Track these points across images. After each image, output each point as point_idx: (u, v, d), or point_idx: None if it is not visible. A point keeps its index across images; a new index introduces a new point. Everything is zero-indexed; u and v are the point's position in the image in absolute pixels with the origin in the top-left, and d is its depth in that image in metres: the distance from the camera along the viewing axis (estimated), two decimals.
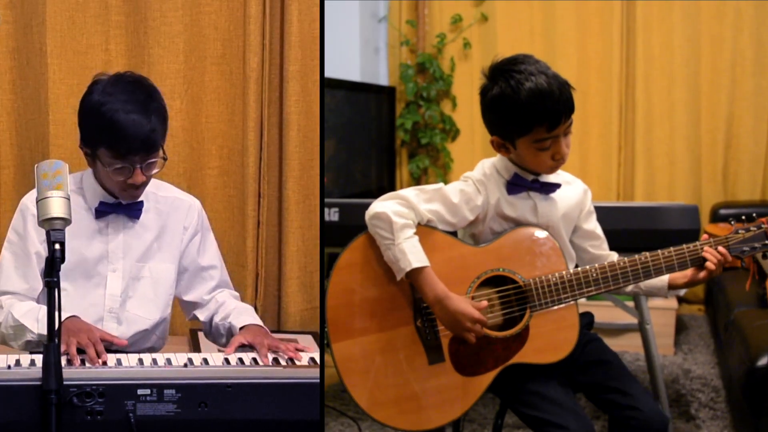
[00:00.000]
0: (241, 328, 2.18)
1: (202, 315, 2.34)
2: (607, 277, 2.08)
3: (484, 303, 2.04)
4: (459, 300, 2.01)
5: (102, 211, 2.18)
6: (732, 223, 2.14)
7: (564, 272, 2.08)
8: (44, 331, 2.03)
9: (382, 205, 2.03)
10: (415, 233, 2.02)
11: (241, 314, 2.25)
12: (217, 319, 2.29)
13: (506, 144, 2.10)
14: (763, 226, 2.11)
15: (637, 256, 2.09)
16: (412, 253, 1.98)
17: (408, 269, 1.98)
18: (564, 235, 2.17)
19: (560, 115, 2.02)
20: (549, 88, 2.01)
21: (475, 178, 2.14)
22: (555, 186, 2.15)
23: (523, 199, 2.13)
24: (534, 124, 2.02)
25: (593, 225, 2.24)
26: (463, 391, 2.06)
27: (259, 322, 2.23)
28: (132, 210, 2.20)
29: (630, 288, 2.18)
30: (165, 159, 2.15)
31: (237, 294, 2.40)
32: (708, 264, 2.08)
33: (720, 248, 2.09)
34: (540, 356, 2.07)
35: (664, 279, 2.17)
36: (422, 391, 2.05)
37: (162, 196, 2.28)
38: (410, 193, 2.06)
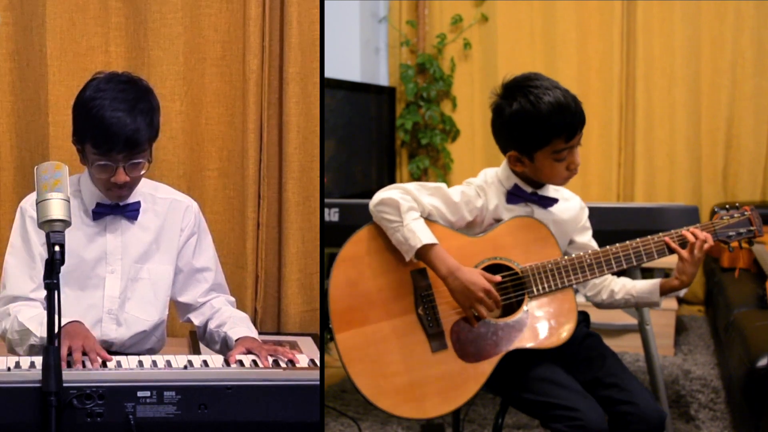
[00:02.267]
0: (236, 340, 2.18)
1: (196, 319, 2.34)
2: (600, 261, 2.15)
3: (498, 277, 2.09)
4: (471, 271, 2.07)
5: (99, 213, 2.19)
6: (716, 210, 2.22)
7: (559, 258, 2.15)
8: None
9: (386, 193, 2.10)
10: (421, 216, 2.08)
11: (237, 325, 2.25)
12: (212, 326, 2.30)
13: (522, 158, 2.16)
14: (746, 213, 2.18)
15: (628, 242, 2.16)
16: (420, 232, 2.04)
17: (418, 246, 2.03)
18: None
19: (577, 126, 2.13)
20: (566, 100, 2.11)
21: (476, 183, 2.22)
22: (552, 201, 2.23)
23: (521, 207, 2.21)
24: (553, 136, 2.10)
25: (587, 239, 2.31)
26: (467, 378, 2.08)
27: (254, 333, 2.24)
28: (129, 211, 2.20)
29: (621, 296, 2.27)
30: (150, 161, 2.15)
31: (233, 300, 2.40)
32: (688, 235, 2.13)
33: (705, 232, 2.15)
34: (541, 341, 2.11)
35: (655, 283, 2.23)
36: (426, 379, 2.07)
37: (160, 197, 2.28)
38: (411, 186, 2.13)
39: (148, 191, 2.26)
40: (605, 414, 2.13)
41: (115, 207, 2.20)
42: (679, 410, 3.35)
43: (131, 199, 2.21)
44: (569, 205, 2.28)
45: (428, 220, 2.11)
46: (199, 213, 2.35)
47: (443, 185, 2.17)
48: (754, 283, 3.69)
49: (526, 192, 2.20)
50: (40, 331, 2.09)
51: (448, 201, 2.15)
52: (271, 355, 2.07)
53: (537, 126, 2.10)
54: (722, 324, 3.56)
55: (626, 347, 4.02)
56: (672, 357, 4.05)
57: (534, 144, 2.13)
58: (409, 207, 2.07)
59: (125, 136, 2.06)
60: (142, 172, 2.15)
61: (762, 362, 2.67)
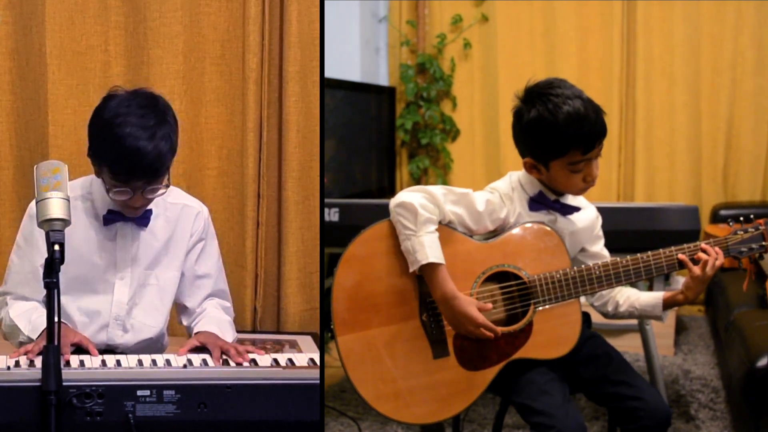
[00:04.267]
0: (195, 334, 2.18)
1: (185, 320, 2.33)
2: (609, 274, 2.12)
3: (489, 305, 2.06)
4: (466, 302, 2.03)
5: (110, 219, 2.16)
6: (731, 224, 2.16)
7: (568, 269, 2.11)
8: (33, 334, 2.05)
9: (409, 196, 2.05)
10: (436, 230, 2.04)
11: (207, 324, 2.22)
12: (193, 326, 2.29)
13: (538, 166, 2.13)
14: (760, 227, 2.15)
15: (639, 255, 2.12)
16: (430, 248, 2.01)
17: (424, 262, 2.00)
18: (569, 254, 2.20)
19: (595, 138, 2.08)
20: (585, 112, 2.07)
21: (502, 191, 2.17)
22: (574, 209, 2.20)
23: (543, 214, 2.17)
24: (570, 147, 2.07)
25: (599, 248, 2.28)
26: (467, 386, 2.08)
27: (227, 335, 2.21)
28: (141, 218, 2.17)
29: (624, 309, 2.25)
30: (168, 185, 2.11)
31: (227, 304, 2.37)
32: (701, 254, 2.10)
33: (716, 248, 2.12)
34: (543, 351, 2.10)
35: (658, 296, 2.21)
36: (426, 385, 2.07)
37: (171, 203, 2.25)
38: (438, 190, 2.08)
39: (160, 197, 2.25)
40: (616, 410, 2.16)
41: None
42: (679, 410, 3.35)
43: None
44: (586, 213, 2.25)
45: (447, 226, 2.08)
46: (208, 219, 2.32)
47: (470, 191, 2.13)
48: (754, 282, 3.69)
49: (549, 200, 2.17)
50: (28, 329, 2.09)
51: (472, 209, 2.11)
52: (224, 352, 2.04)
53: (553, 136, 2.06)
54: (722, 324, 3.56)
55: (626, 347, 4.01)
56: (672, 357, 4.05)
57: (550, 153, 2.09)
58: (427, 219, 2.02)
59: (146, 166, 2.01)
60: (160, 193, 2.11)
61: (762, 362, 2.67)
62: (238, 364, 2.02)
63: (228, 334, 2.23)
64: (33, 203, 2.18)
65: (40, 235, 2.14)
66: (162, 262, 2.24)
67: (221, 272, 2.37)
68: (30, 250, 2.17)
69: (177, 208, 2.26)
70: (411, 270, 2.04)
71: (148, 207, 2.18)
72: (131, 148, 1.99)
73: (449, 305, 2.03)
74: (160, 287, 2.24)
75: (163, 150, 2.03)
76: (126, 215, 2.16)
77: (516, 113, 2.14)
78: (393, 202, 2.07)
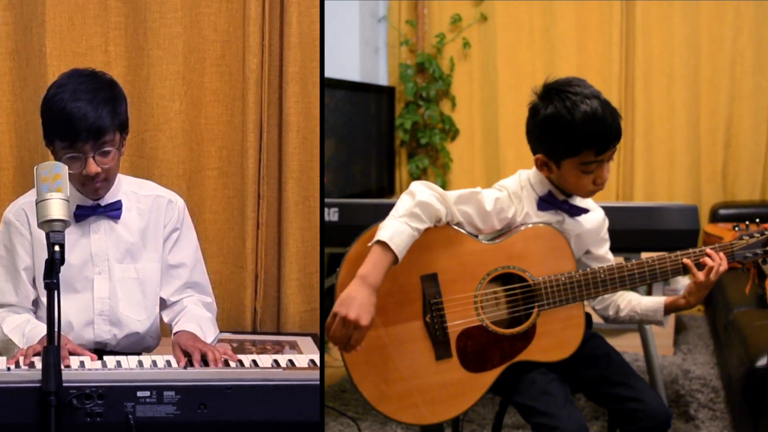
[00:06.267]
0: (175, 333, 2.18)
1: (166, 317, 2.33)
2: (614, 278, 2.12)
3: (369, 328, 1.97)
4: (364, 295, 1.91)
5: (80, 215, 2.18)
6: (737, 229, 2.17)
7: (573, 272, 2.11)
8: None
9: (421, 189, 2.01)
10: (420, 231, 1.98)
11: (187, 322, 2.22)
12: (174, 325, 2.29)
13: (550, 163, 2.13)
14: (766, 232, 2.16)
15: (644, 259, 2.13)
16: (396, 233, 1.94)
17: (380, 239, 1.93)
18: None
19: (610, 140, 2.07)
20: (603, 113, 2.06)
21: (510, 189, 2.16)
22: (583, 210, 2.19)
23: (551, 215, 2.17)
24: (584, 147, 2.06)
25: (605, 251, 2.28)
26: (469, 387, 2.08)
27: (209, 334, 2.22)
28: (111, 210, 2.20)
29: (625, 313, 2.26)
30: (120, 151, 2.16)
31: (209, 301, 2.37)
32: (707, 260, 2.11)
33: (720, 253, 2.13)
34: (546, 354, 2.11)
35: (660, 301, 2.22)
36: (428, 386, 2.07)
37: (143, 195, 2.28)
38: (452, 195, 2.07)
39: (131, 189, 2.26)
40: (615, 411, 2.17)
41: (96, 207, 2.19)
42: (679, 410, 3.35)
43: (112, 198, 2.21)
44: (593, 215, 2.25)
45: (454, 227, 2.07)
46: (183, 209, 2.33)
47: (481, 190, 2.12)
48: (754, 283, 3.68)
49: (558, 200, 2.16)
50: (22, 342, 2.10)
51: (481, 209, 2.09)
52: (203, 354, 2.03)
53: (568, 134, 2.06)
54: (722, 323, 3.56)
55: (626, 347, 4.02)
56: (671, 356, 4.06)
57: (563, 152, 2.08)
58: (418, 217, 1.96)
59: (88, 125, 2.06)
60: (113, 163, 2.15)
61: (761, 362, 2.67)
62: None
63: (209, 332, 2.24)
64: (8, 212, 2.20)
65: (18, 241, 2.17)
66: (141, 255, 2.25)
67: (198, 264, 2.37)
68: (11, 257, 2.19)
69: (149, 200, 2.28)
70: (368, 244, 1.96)
71: (117, 198, 2.20)
72: (71, 109, 2.07)
73: (356, 283, 1.92)
74: (140, 281, 2.25)
75: (104, 111, 2.09)
76: (90, 197, 2.17)
77: (532, 109, 2.14)
78: (408, 189, 2.04)
